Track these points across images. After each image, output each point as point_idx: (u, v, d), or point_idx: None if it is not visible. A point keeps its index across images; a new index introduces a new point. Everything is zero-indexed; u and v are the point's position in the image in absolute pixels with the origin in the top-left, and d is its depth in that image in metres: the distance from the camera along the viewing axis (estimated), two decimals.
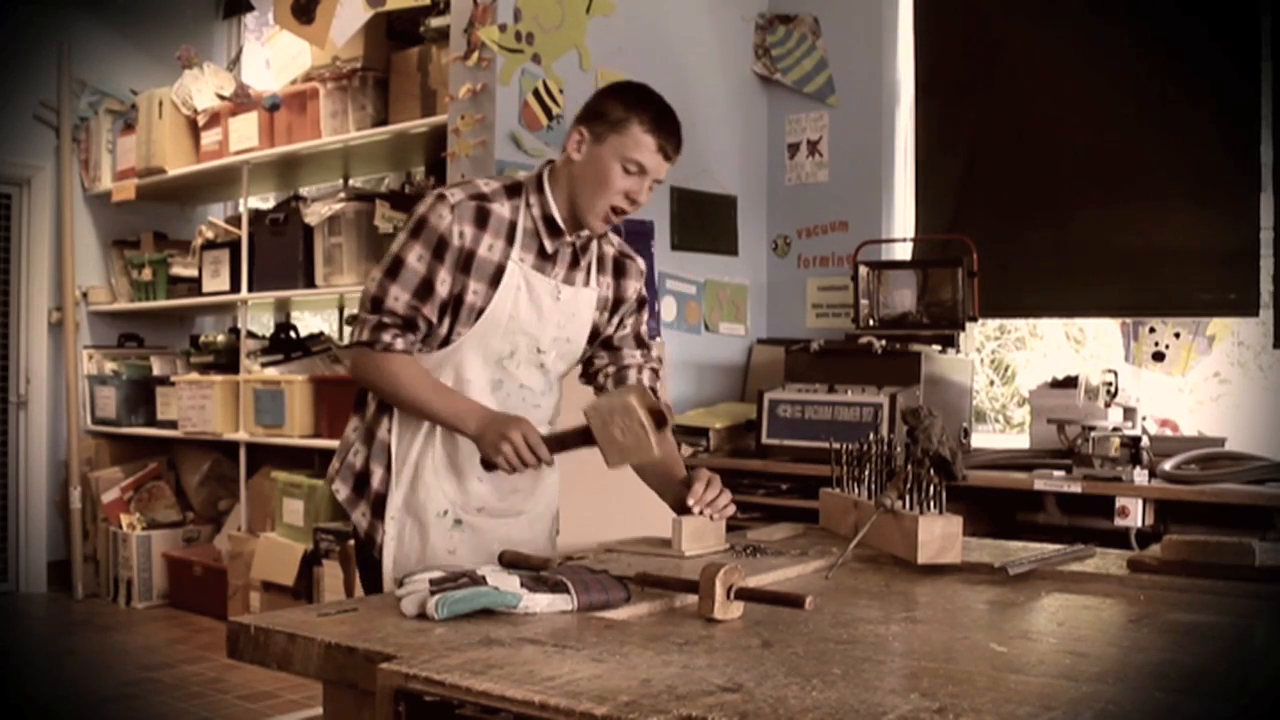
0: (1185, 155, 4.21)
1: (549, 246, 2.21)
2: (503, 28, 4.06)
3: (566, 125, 4.25)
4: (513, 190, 2.23)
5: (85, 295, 6.29)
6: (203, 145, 5.79)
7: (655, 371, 2.42)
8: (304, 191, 6.05)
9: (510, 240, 2.18)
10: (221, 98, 5.62)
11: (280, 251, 5.34)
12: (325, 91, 5.07)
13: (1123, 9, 4.36)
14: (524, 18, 4.12)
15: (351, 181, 5.80)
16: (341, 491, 2.31)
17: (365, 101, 4.93)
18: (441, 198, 2.16)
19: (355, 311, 2.26)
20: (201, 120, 5.77)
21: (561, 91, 4.24)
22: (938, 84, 4.79)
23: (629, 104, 2.17)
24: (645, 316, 2.45)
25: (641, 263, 2.44)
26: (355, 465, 2.30)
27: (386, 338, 2.15)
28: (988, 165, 4.66)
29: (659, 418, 2.03)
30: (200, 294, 5.86)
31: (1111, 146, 4.35)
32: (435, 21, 4.54)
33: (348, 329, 6.42)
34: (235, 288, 5.60)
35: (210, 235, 5.83)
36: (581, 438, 2.10)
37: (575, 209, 2.20)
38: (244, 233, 5.53)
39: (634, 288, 2.40)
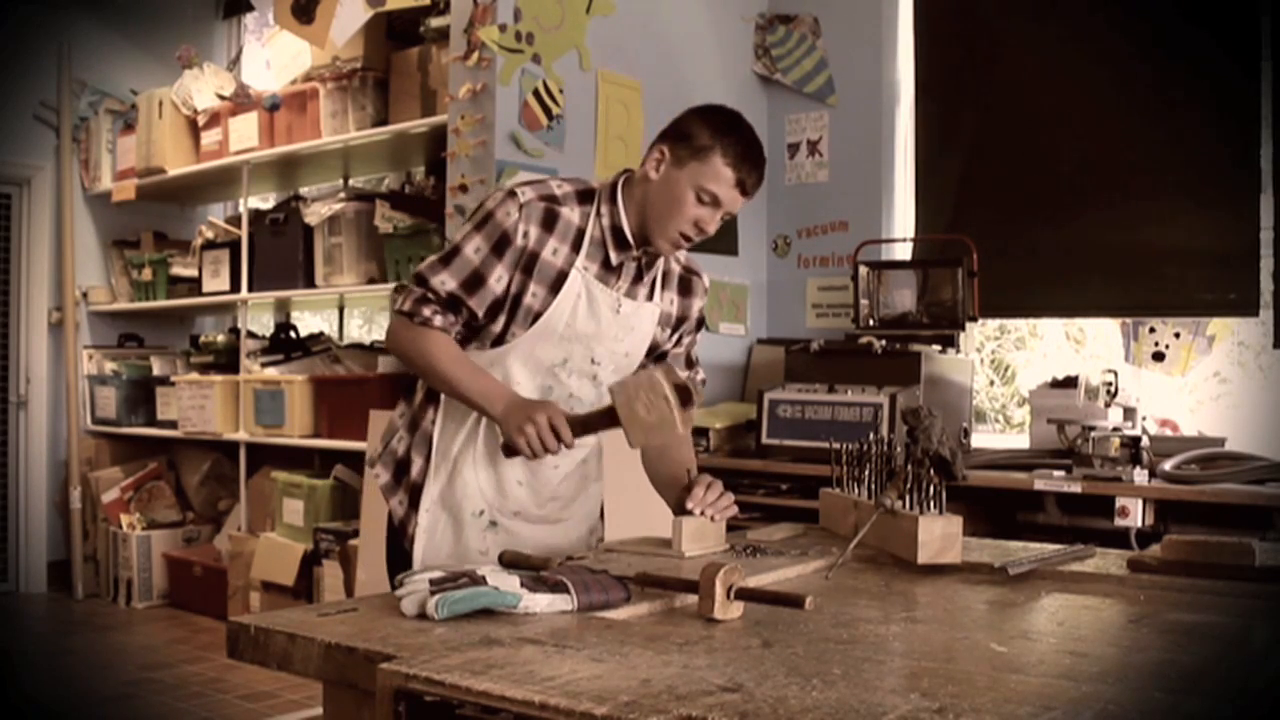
0: (1185, 155, 4.21)
1: (614, 258, 2.17)
2: (503, 28, 4.06)
3: (567, 125, 4.25)
4: (585, 196, 2.19)
5: (85, 295, 6.29)
6: (203, 145, 5.79)
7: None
8: (304, 191, 6.05)
9: (576, 247, 2.15)
10: (221, 98, 5.62)
11: (280, 251, 5.34)
12: (325, 91, 5.07)
13: (1122, 9, 4.36)
14: (524, 18, 4.12)
15: (351, 181, 5.80)
16: (382, 476, 2.30)
17: (365, 101, 4.93)
18: (512, 195, 2.13)
19: (400, 284, 2.24)
20: (201, 120, 5.77)
21: (561, 91, 4.24)
22: (937, 84, 4.79)
23: (715, 131, 2.10)
24: (699, 336, 2.42)
25: (707, 280, 2.40)
26: (398, 452, 2.28)
27: (426, 312, 2.13)
28: (988, 165, 4.66)
29: (684, 394, 2.02)
30: (200, 294, 5.86)
31: (1112, 146, 4.35)
32: (435, 21, 4.54)
33: (348, 328, 6.43)
34: (235, 288, 5.60)
35: (210, 235, 5.83)
36: (606, 418, 2.08)
37: (645, 228, 2.16)
38: (244, 233, 5.53)
39: (698, 306, 2.37)
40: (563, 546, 2.27)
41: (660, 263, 2.27)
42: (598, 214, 2.17)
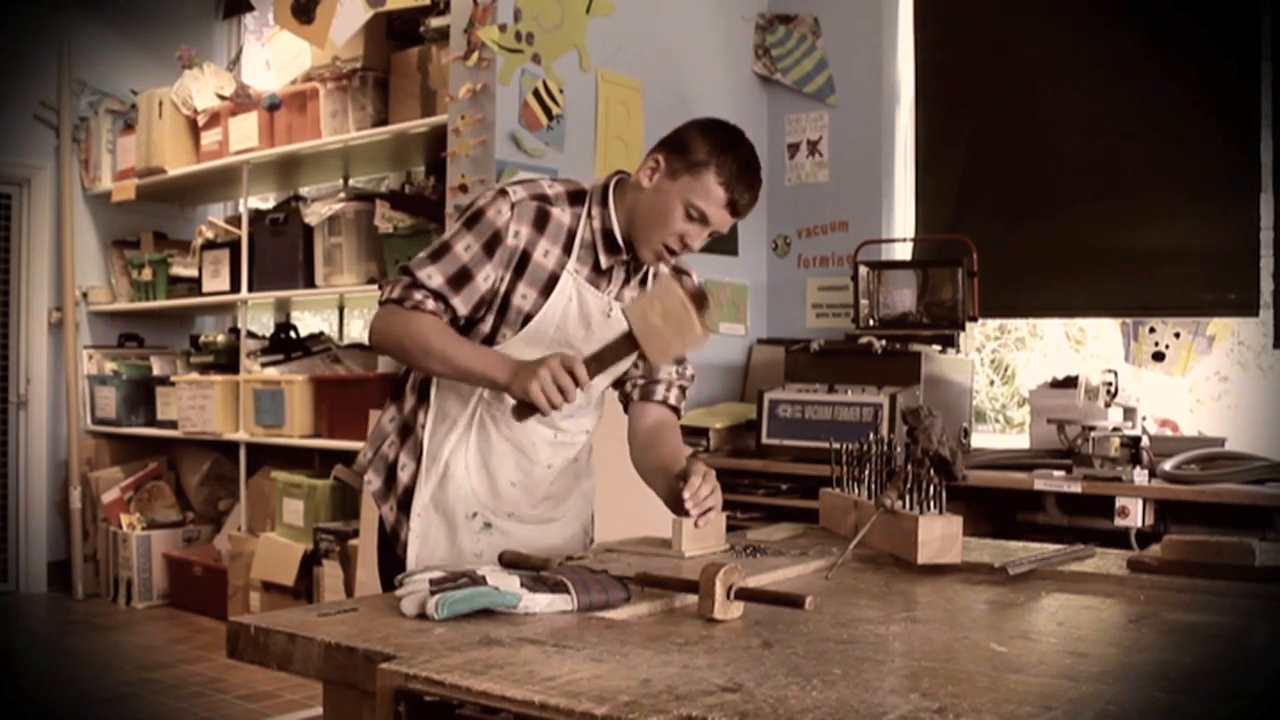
0: (1185, 155, 4.21)
1: (604, 262, 2.16)
2: (503, 28, 4.06)
3: (567, 125, 4.25)
4: (576, 197, 2.17)
5: (85, 295, 6.29)
6: (203, 145, 5.79)
7: (684, 390, 2.38)
8: (304, 191, 6.05)
9: (567, 249, 2.13)
10: (221, 98, 5.62)
11: (280, 251, 5.34)
12: (325, 91, 5.07)
13: (1123, 9, 4.37)
14: (524, 18, 4.12)
15: (351, 181, 5.80)
16: (374, 483, 2.27)
17: (365, 101, 4.93)
18: (503, 194, 2.12)
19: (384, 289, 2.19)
20: (201, 120, 5.77)
21: (561, 91, 4.24)
22: (937, 84, 4.79)
23: (713, 147, 2.07)
24: None
25: (697, 278, 2.35)
26: (388, 457, 2.26)
27: (418, 296, 2.10)
28: (988, 165, 4.66)
29: (699, 299, 1.96)
30: (200, 294, 5.86)
31: (1112, 146, 4.35)
32: (435, 21, 4.54)
33: (348, 328, 6.42)
34: (235, 288, 5.60)
35: (210, 235, 5.83)
36: (622, 346, 2.02)
37: (631, 234, 2.14)
38: (244, 233, 5.53)
39: None
40: (557, 545, 2.25)
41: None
42: (588, 216, 2.15)
